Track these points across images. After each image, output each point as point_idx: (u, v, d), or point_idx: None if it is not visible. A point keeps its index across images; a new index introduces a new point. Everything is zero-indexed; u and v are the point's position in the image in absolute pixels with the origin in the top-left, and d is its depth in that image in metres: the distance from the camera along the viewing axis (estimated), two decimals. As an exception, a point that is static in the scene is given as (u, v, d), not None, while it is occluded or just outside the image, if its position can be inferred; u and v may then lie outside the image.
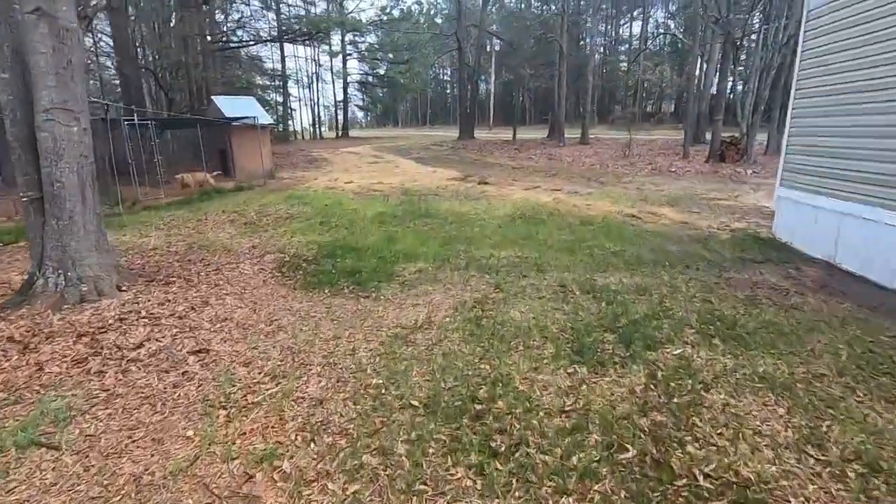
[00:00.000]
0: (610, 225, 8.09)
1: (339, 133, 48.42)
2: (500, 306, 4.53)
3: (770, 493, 2.21)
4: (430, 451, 2.54)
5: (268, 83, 37.64)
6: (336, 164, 21.33)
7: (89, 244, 4.87)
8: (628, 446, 2.53)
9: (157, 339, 4.01)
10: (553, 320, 4.17)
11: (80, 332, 4.07)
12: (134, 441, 2.71)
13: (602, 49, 51.86)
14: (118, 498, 2.29)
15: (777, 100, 17.66)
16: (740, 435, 2.61)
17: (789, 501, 2.17)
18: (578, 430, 2.68)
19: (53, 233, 4.72)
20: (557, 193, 11.72)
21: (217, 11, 27.28)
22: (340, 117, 49.88)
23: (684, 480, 2.29)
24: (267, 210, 10.11)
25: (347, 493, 2.28)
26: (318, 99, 59.16)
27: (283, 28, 28.52)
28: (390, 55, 48.42)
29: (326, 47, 47.14)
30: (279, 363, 3.57)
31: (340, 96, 48.67)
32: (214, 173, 14.33)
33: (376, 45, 49.54)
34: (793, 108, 6.82)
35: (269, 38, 27.02)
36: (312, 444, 2.63)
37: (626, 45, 53.44)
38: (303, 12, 33.43)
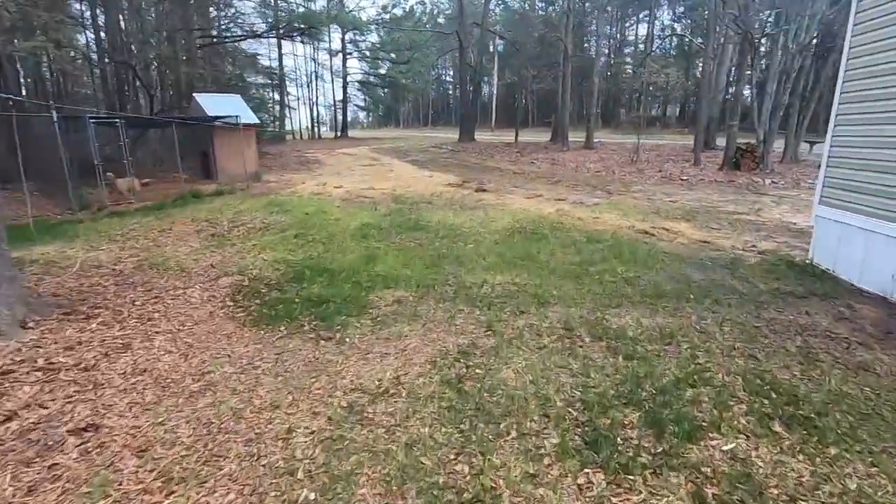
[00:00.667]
0: (621, 243, 7.15)
1: (338, 133, 47.43)
2: (490, 360, 3.59)
3: None
4: None
5: (264, 81, 36.65)
6: (329, 166, 20.38)
7: (-17, 272, 3.96)
8: None
9: (40, 406, 3.07)
10: (557, 386, 3.22)
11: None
12: None
13: (607, 51, 50.83)
14: None
15: (795, 105, 16.67)
16: None
17: None
18: None
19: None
20: (561, 203, 10.76)
21: (211, 8, 26.35)
22: (340, 117, 48.97)
23: None
24: (241, 218, 9.18)
25: None
26: (316, 98, 58.03)
27: (279, 24, 27.57)
28: (392, 55, 47.49)
29: (326, 46, 46.24)
30: (184, 453, 2.63)
31: (340, 96, 47.83)
32: (184, 176, 13.38)
33: (377, 45, 48.62)
34: (837, 115, 5.86)
35: (257, 33, 26.02)
36: None
37: (632, 48, 52.45)
38: (302, 10, 32.53)
